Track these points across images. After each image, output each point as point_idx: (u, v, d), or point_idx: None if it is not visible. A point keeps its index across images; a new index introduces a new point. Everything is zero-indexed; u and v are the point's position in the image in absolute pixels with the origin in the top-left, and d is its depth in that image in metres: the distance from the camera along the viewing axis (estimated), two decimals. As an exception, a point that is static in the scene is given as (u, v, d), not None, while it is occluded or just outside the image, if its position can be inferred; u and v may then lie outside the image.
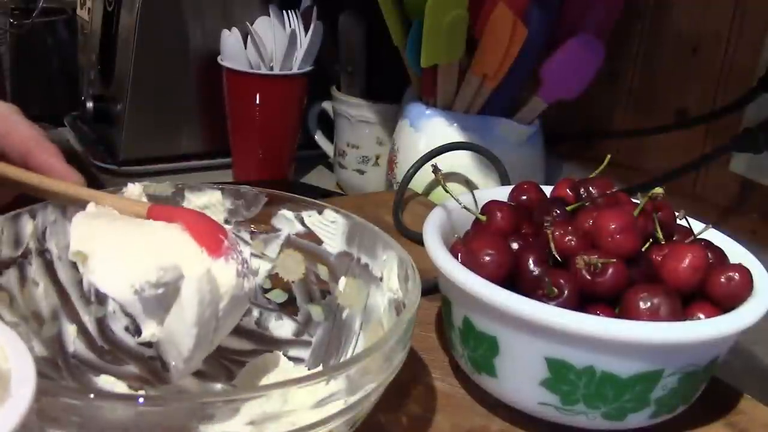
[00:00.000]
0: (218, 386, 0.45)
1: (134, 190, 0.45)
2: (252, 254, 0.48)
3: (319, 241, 0.46)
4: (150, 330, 0.36)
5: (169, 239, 0.37)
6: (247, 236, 0.48)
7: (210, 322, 0.36)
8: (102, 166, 0.89)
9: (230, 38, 0.85)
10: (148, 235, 0.38)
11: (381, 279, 0.42)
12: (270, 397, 0.30)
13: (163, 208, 0.40)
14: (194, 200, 0.47)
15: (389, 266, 0.42)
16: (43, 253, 0.44)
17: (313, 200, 0.47)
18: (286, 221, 0.47)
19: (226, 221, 0.47)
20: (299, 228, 0.47)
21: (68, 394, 0.28)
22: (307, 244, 0.47)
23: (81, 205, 0.41)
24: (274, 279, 0.48)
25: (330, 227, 0.46)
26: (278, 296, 0.48)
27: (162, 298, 0.35)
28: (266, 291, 0.48)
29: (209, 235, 0.38)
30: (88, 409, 0.28)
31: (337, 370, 0.32)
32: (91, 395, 0.29)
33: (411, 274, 0.39)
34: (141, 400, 0.29)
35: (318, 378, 0.31)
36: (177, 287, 0.35)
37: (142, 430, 0.28)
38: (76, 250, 0.37)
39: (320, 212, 0.46)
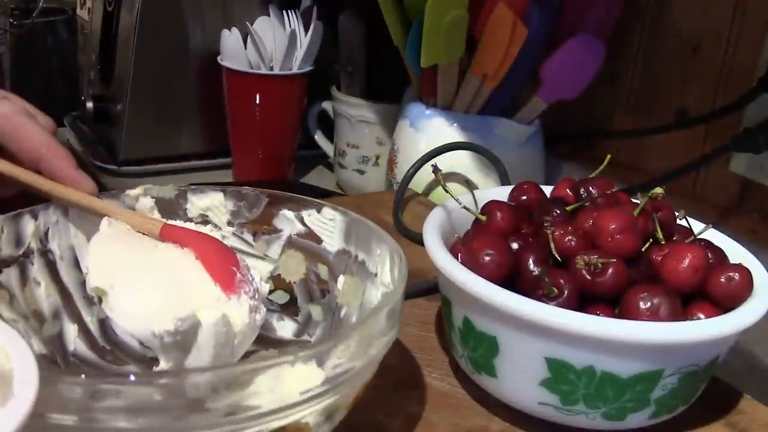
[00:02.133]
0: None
1: (136, 192, 0.45)
2: (255, 256, 0.48)
3: (319, 240, 0.46)
4: (168, 363, 0.38)
5: (185, 272, 0.39)
6: (249, 238, 0.48)
7: (224, 357, 0.38)
8: (102, 166, 0.89)
9: (230, 38, 0.85)
10: (163, 266, 0.39)
11: (376, 275, 0.43)
12: (252, 376, 0.30)
13: (174, 230, 0.42)
14: (197, 202, 0.47)
15: (383, 261, 0.42)
16: (45, 253, 0.44)
17: (312, 199, 0.47)
18: (287, 221, 0.47)
19: (229, 223, 0.48)
20: (300, 228, 0.47)
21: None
22: (307, 243, 0.47)
23: (90, 212, 0.43)
24: (276, 280, 0.48)
25: (329, 225, 0.46)
26: (280, 297, 0.48)
27: (180, 342, 0.37)
28: (269, 293, 0.48)
29: (223, 269, 0.39)
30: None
31: (318, 348, 0.32)
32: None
33: (397, 261, 0.39)
34: (132, 377, 0.29)
35: (297, 356, 0.31)
36: (195, 332, 0.37)
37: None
38: (94, 286, 0.38)
39: (319, 210, 0.46)
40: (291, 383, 0.31)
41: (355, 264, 0.45)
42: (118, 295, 0.38)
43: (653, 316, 0.39)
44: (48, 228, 0.44)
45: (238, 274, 0.39)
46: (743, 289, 0.42)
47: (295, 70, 0.86)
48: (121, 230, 0.42)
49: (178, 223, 0.44)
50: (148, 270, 0.39)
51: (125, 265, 0.39)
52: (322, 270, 0.46)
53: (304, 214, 0.47)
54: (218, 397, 0.29)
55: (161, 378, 0.29)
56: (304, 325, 0.47)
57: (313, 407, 0.32)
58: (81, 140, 0.96)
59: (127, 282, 0.38)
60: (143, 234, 0.42)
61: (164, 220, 0.44)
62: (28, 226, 0.43)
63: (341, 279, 0.45)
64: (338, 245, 0.46)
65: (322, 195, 0.82)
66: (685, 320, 0.40)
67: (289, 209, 0.47)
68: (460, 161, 0.73)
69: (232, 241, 0.47)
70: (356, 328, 0.34)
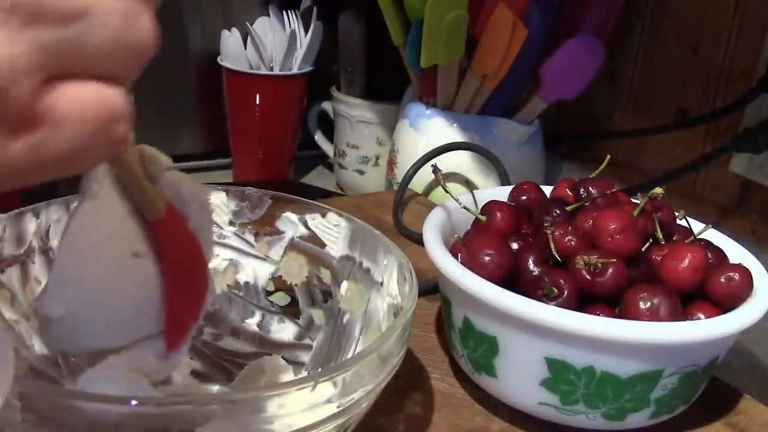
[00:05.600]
0: (216, 388, 0.45)
1: None
2: (256, 257, 0.48)
3: (322, 245, 0.46)
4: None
5: (142, 305, 0.31)
6: (251, 238, 0.48)
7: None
8: (102, 166, 0.89)
9: (230, 39, 0.85)
10: (123, 294, 0.31)
11: (381, 284, 0.42)
12: (267, 400, 0.30)
13: (174, 219, 0.32)
14: None
15: (389, 271, 0.42)
16: (47, 251, 0.44)
17: (317, 203, 0.47)
18: (290, 224, 0.47)
19: (231, 223, 0.47)
20: (303, 231, 0.47)
21: (61, 395, 0.28)
22: (310, 247, 0.47)
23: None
24: (278, 282, 0.48)
25: (333, 230, 0.46)
26: (281, 299, 0.48)
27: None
28: (269, 294, 0.48)
29: (180, 322, 0.33)
30: (80, 410, 0.28)
31: (333, 373, 0.32)
32: (83, 396, 0.29)
33: (408, 278, 0.39)
34: (133, 402, 0.28)
35: (313, 381, 0.31)
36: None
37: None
38: (43, 315, 0.30)
39: (323, 215, 0.46)
40: (302, 406, 0.31)
41: (359, 271, 0.44)
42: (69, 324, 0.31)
43: (653, 316, 0.39)
44: (49, 226, 0.44)
45: (191, 330, 0.34)
46: (743, 289, 0.42)
47: (294, 70, 0.86)
48: (108, 205, 0.30)
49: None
50: (107, 298, 0.31)
51: (88, 285, 0.31)
52: (325, 274, 0.46)
53: (308, 217, 0.47)
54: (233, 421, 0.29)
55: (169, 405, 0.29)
56: (305, 328, 0.47)
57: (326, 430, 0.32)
58: (81, 140, 0.96)
59: (82, 309, 0.31)
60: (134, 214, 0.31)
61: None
62: (30, 224, 0.43)
63: (345, 285, 0.45)
64: (342, 251, 0.45)
65: (322, 195, 0.82)
66: (685, 320, 0.40)
67: (292, 212, 0.47)
68: (460, 161, 0.73)
69: (233, 241, 0.47)
70: (370, 352, 0.33)
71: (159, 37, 0.21)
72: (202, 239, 0.33)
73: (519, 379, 0.41)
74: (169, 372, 0.34)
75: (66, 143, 0.20)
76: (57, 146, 0.20)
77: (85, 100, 0.20)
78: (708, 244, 0.45)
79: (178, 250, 0.32)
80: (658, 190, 0.44)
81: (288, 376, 0.45)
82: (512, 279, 0.42)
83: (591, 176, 0.50)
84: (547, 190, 0.52)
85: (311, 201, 0.47)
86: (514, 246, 0.44)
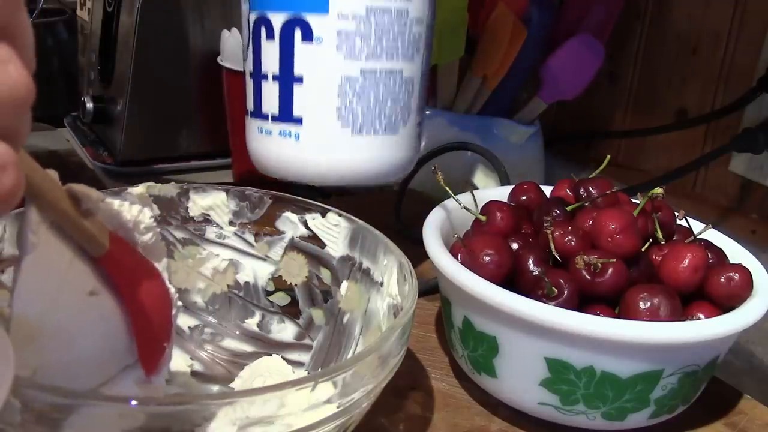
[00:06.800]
0: (216, 388, 0.45)
1: (138, 191, 0.45)
2: (256, 257, 0.48)
3: (322, 245, 0.46)
4: None
5: (112, 339, 0.31)
6: (251, 238, 0.48)
7: None
8: (102, 166, 0.89)
9: (230, 38, 0.85)
10: (91, 332, 0.31)
11: (381, 284, 0.42)
12: (267, 400, 0.30)
13: (121, 251, 0.31)
14: (199, 201, 0.47)
15: (389, 271, 0.42)
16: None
17: (317, 203, 0.47)
18: (290, 224, 0.47)
19: (231, 223, 0.48)
20: (303, 231, 0.47)
21: (61, 395, 0.28)
22: (310, 247, 0.47)
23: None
24: (278, 282, 0.48)
25: (333, 230, 0.46)
26: (281, 299, 0.48)
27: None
28: (269, 294, 0.48)
29: (153, 345, 0.33)
30: (79, 411, 0.28)
31: (333, 373, 0.32)
32: (83, 396, 0.29)
33: (408, 278, 0.39)
34: (133, 402, 0.28)
35: (313, 381, 0.31)
36: None
37: None
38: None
39: (323, 215, 0.46)
40: (302, 406, 0.31)
41: (359, 271, 0.44)
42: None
43: (653, 316, 0.39)
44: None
45: (167, 349, 0.33)
46: (743, 289, 0.42)
47: (295, 70, 0.86)
48: (51, 252, 0.29)
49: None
50: (74, 342, 0.30)
51: (52, 335, 0.30)
52: (325, 274, 0.46)
53: (308, 217, 0.47)
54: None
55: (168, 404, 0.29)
56: (305, 328, 0.47)
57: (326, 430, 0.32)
58: (81, 140, 0.96)
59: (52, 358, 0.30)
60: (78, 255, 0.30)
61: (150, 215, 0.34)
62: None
63: (344, 285, 0.45)
64: (342, 251, 0.45)
65: (322, 195, 0.82)
66: (685, 320, 0.40)
67: (292, 212, 0.47)
68: (460, 161, 0.73)
69: (233, 241, 0.47)
70: (370, 352, 0.33)
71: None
72: (154, 258, 0.33)
73: (519, 379, 0.41)
74: (156, 395, 0.34)
75: None
76: None
77: None
78: (708, 244, 0.45)
79: (132, 278, 0.31)
80: (658, 190, 0.44)
81: (288, 376, 0.45)
82: (512, 279, 0.42)
83: (591, 176, 0.50)
84: (547, 190, 0.52)
85: (311, 201, 0.47)
86: (514, 246, 0.44)
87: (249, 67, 0.53)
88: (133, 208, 0.33)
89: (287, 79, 0.49)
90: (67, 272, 0.29)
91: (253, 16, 0.51)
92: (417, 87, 0.53)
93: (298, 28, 0.48)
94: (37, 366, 0.29)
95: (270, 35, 0.49)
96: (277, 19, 0.49)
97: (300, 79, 0.49)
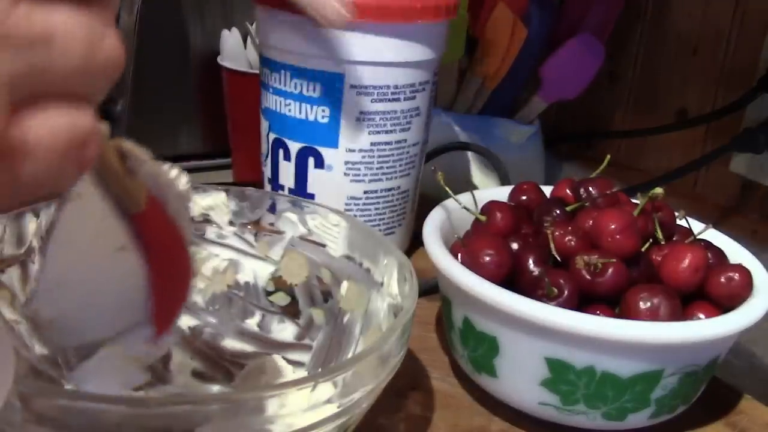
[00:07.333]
0: (216, 388, 0.45)
1: None
2: (256, 257, 0.48)
3: (323, 245, 0.46)
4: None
5: (131, 292, 0.32)
6: (251, 238, 0.48)
7: None
8: (102, 166, 0.89)
9: (230, 38, 0.85)
10: (112, 286, 0.32)
11: (381, 284, 0.42)
12: (267, 400, 0.30)
13: (156, 210, 0.32)
14: (199, 201, 0.47)
15: (389, 271, 0.42)
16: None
17: (318, 203, 0.47)
18: (290, 224, 0.47)
19: (230, 223, 0.48)
20: (303, 231, 0.47)
21: (61, 395, 0.28)
22: (310, 247, 0.47)
23: None
24: (278, 282, 0.48)
25: (333, 231, 0.46)
26: (281, 299, 0.48)
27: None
28: (269, 294, 0.48)
29: (168, 306, 0.33)
30: (79, 411, 0.28)
31: (333, 373, 0.32)
32: (83, 396, 0.29)
33: (408, 278, 0.39)
34: (133, 402, 0.29)
35: (313, 381, 0.31)
36: None
37: None
38: (46, 318, 0.31)
39: (324, 215, 0.46)
40: (302, 406, 0.30)
41: (359, 271, 0.44)
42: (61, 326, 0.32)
43: (653, 316, 0.39)
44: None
45: (179, 311, 0.34)
46: (743, 289, 0.42)
47: (295, 70, 0.86)
48: (91, 203, 0.30)
49: None
50: (96, 294, 0.32)
51: (78, 284, 0.31)
52: (325, 274, 0.46)
53: (308, 217, 0.47)
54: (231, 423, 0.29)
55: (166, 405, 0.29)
56: (305, 328, 0.47)
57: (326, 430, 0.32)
58: (81, 140, 0.96)
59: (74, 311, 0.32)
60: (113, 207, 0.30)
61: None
62: (30, 224, 0.43)
63: (344, 285, 0.45)
64: (342, 251, 0.45)
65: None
66: (685, 320, 0.40)
67: (292, 212, 0.47)
68: (460, 161, 0.73)
69: (233, 241, 0.47)
70: (370, 352, 0.33)
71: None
72: (181, 223, 0.34)
73: (519, 379, 0.41)
74: (159, 355, 0.34)
75: (39, 171, 0.20)
76: (30, 175, 0.19)
77: (56, 128, 0.20)
78: (708, 244, 0.45)
79: (161, 238, 0.32)
80: (658, 190, 0.44)
81: (288, 376, 0.45)
82: (512, 279, 0.42)
83: (591, 176, 0.50)
84: (547, 190, 0.52)
85: (311, 201, 0.47)
86: (514, 246, 0.44)
87: (267, 173, 0.59)
88: (170, 172, 0.33)
89: (301, 194, 0.56)
90: (102, 226, 0.30)
91: (272, 136, 0.57)
92: (411, 194, 0.59)
93: (311, 157, 0.55)
94: (57, 314, 0.30)
95: (287, 157, 0.56)
96: (294, 146, 0.56)
97: (312, 195, 0.56)
